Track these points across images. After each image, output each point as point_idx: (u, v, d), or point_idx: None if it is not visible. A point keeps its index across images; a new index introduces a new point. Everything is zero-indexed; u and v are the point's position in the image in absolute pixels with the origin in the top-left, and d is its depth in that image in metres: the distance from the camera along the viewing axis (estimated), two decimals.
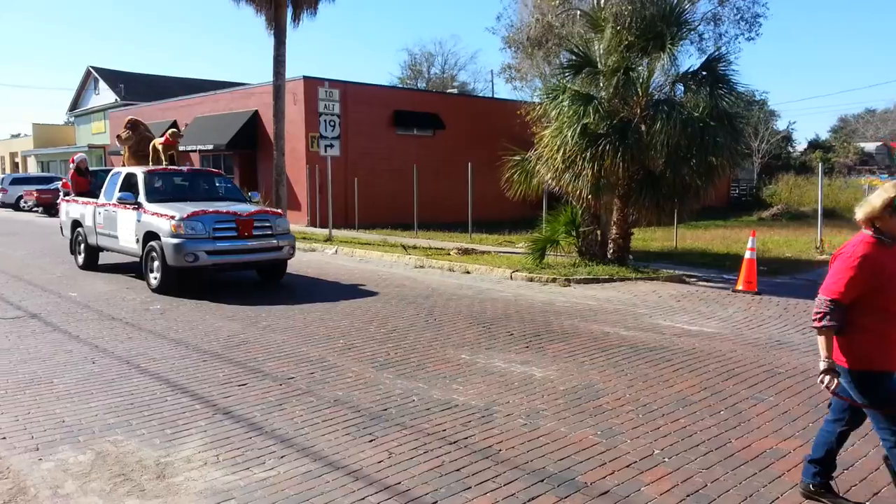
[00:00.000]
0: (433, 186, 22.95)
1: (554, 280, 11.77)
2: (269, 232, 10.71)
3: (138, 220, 10.83)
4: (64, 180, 13.92)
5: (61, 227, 14.19)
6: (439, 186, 23.40)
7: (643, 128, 11.62)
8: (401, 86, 49.64)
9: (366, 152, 23.87)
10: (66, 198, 13.96)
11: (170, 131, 13.03)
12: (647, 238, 17.69)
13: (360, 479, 4.14)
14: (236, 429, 4.96)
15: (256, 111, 25.64)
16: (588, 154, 11.28)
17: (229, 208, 10.66)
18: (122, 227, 11.33)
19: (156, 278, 10.40)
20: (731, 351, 7.22)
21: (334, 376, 6.23)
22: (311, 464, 4.36)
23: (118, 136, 13.52)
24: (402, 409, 5.36)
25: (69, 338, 7.62)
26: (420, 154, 24.16)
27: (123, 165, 13.38)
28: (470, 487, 4.01)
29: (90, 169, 14.60)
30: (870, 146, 52.15)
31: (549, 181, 12.50)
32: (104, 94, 43.43)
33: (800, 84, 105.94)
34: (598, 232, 13.31)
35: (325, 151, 17.70)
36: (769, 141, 42.24)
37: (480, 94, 48.46)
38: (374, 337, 7.72)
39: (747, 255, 11.05)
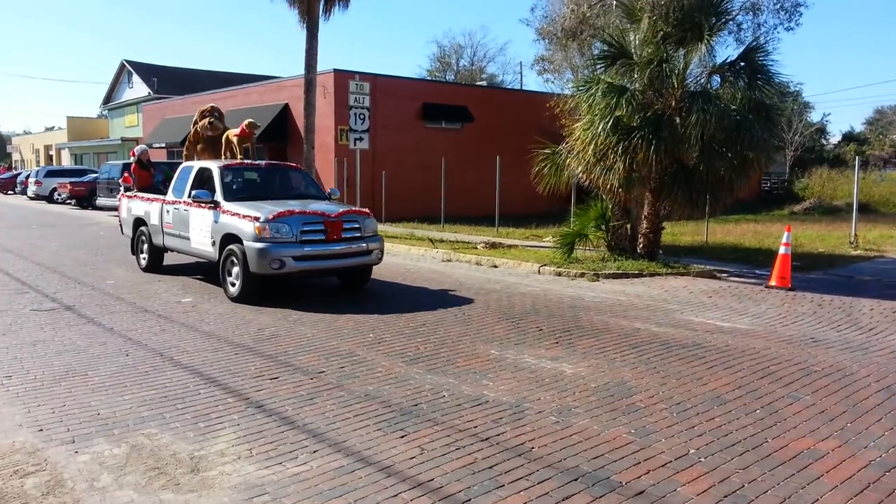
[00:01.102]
0: (461, 180, 22.90)
1: (583, 275, 11.67)
2: (358, 234, 9.64)
3: (215, 221, 9.77)
4: (125, 174, 12.91)
5: (121, 225, 13.11)
6: (467, 180, 23.35)
7: (677, 120, 11.43)
8: (429, 78, 49.55)
9: (394, 145, 23.88)
10: (128, 193, 12.81)
11: (246, 122, 11.63)
12: (676, 232, 17.46)
13: (393, 475, 4.13)
14: (269, 422, 4.98)
15: (287, 104, 25.79)
16: (620, 147, 11.14)
17: (316, 208, 9.56)
18: (196, 227, 10.26)
19: (235, 286, 9.36)
20: (765, 348, 7.09)
21: (364, 371, 6.24)
22: (344, 459, 4.37)
23: (209, 124, 11.95)
24: (433, 404, 5.34)
25: (103, 330, 7.74)
26: (448, 147, 24.10)
27: (187, 159, 12.28)
28: (503, 485, 3.98)
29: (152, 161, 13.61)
30: None
31: (580, 175, 12.37)
32: (137, 88, 44.04)
33: (835, 75, 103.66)
34: (628, 226, 13.16)
35: (355, 145, 17.74)
36: (802, 133, 41.43)
37: (509, 87, 48.21)
38: (403, 331, 7.71)
39: (782, 250, 10.85)
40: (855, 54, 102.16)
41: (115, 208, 25.04)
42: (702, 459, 4.32)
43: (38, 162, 59.06)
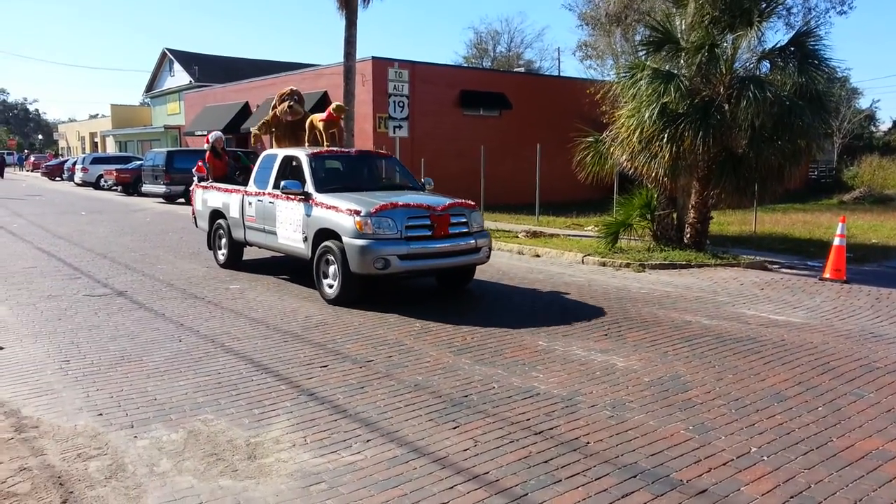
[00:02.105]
0: (499, 167, 22.73)
1: (628, 265, 11.50)
2: (466, 229, 8.68)
3: (307, 215, 8.86)
4: (199, 163, 12.05)
5: (195, 218, 12.20)
6: (505, 167, 23.17)
7: (726, 107, 11.16)
8: (466, 65, 49.27)
9: (432, 133, 23.80)
10: (202, 184, 11.83)
11: (334, 105, 10.54)
12: (722, 222, 17.09)
13: (448, 466, 4.11)
14: (321, 410, 5.01)
15: (326, 92, 25.88)
16: (667, 134, 10.91)
17: (419, 200, 8.67)
18: (284, 221, 9.37)
19: (332, 287, 8.48)
20: (822, 343, 6.89)
21: (412, 360, 6.23)
22: (397, 449, 4.36)
23: (289, 108, 10.86)
24: (484, 395, 5.31)
25: (155, 315, 7.87)
26: (486, 134, 23.94)
27: (258, 145, 11.61)
28: (560, 480, 3.93)
29: (227, 149, 12.69)
30: None
31: (624, 163, 12.17)
32: (179, 76, 44.67)
33: (884, 60, 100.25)
34: (674, 216, 12.92)
35: (394, 133, 17.71)
36: (850, 120, 40.19)
37: (547, 73, 47.70)
38: (450, 320, 7.68)
39: (836, 241, 10.53)
40: None
41: (160, 195, 25.81)
42: (765, 458, 4.21)
43: (83, 149, 60.47)
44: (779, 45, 11.84)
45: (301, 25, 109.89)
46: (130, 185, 29.78)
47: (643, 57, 12.24)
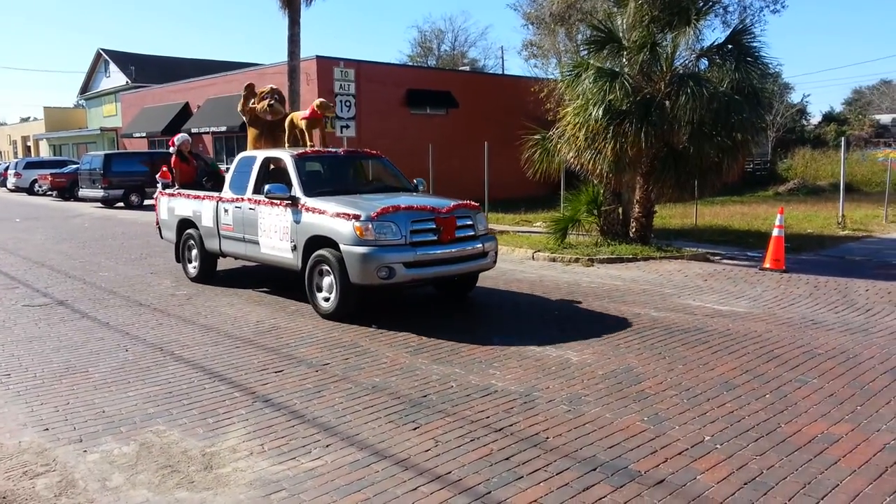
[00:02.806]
0: (447, 165, 22.76)
1: (577, 260, 11.68)
2: (472, 233, 8.04)
3: (296, 222, 8.09)
4: (163, 169, 11.08)
5: (159, 228, 11.13)
6: (453, 165, 23.23)
7: (667, 104, 11.43)
8: (412, 64, 49.19)
9: (380, 132, 23.69)
10: (168, 190, 10.82)
11: (317, 102, 9.66)
12: (665, 216, 17.52)
13: (410, 468, 4.10)
14: (278, 417, 4.93)
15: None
16: (611, 131, 11.12)
17: (422, 202, 7.95)
18: (268, 229, 8.57)
19: (328, 300, 7.79)
20: (766, 331, 7.13)
21: (369, 362, 6.19)
22: (358, 452, 4.32)
23: (270, 107, 10.02)
24: (442, 395, 5.31)
25: (99, 325, 7.61)
26: (434, 133, 23.96)
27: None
28: (522, 476, 3.96)
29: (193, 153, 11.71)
30: (885, 118, 51.23)
31: (570, 160, 12.34)
32: (115, 77, 43.30)
33: (814, 56, 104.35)
34: (620, 210, 13.18)
35: (342, 132, 17.53)
36: (783, 115, 41.66)
37: (492, 72, 48.02)
38: (403, 321, 7.66)
39: (775, 232, 10.91)
40: (833, 36, 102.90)
41: (98, 199, 24.96)
42: (718, 446, 4.33)
43: (15, 153, 58.00)
44: (716, 43, 12.18)
45: (243, 24, 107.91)
46: (66, 190, 28.78)
47: (586, 56, 12.44)
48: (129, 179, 24.99)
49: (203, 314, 8.11)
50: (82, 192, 26.00)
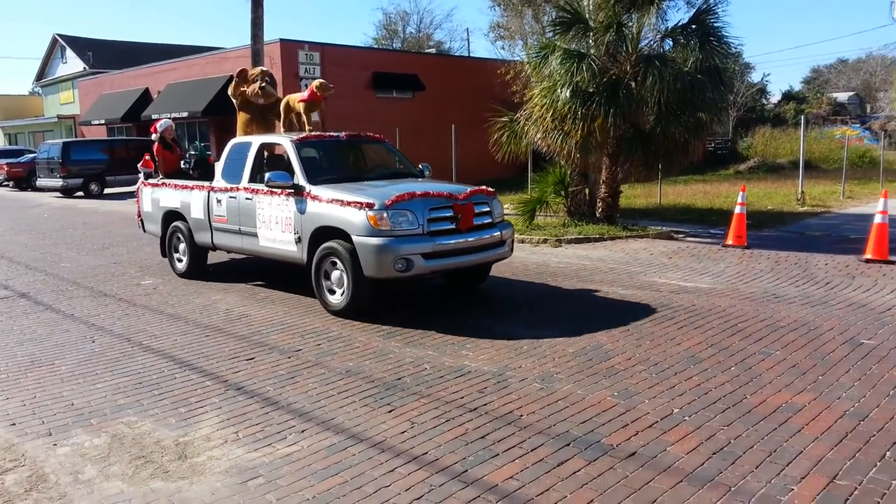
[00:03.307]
0: (415, 149, 22.55)
1: (545, 241, 11.77)
2: (490, 220, 7.58)
3: (300, 212, 7.53)
4: (145, 157, 10.45)
5: (141, 222, 10.42)
6: (421, 148, 23.05)
7: (633, 85, 11.53)
8: (377, 47, 48.74)
9: (346, 116, 23.41)
10: (150, 180, 10.15)
11: (316, 83, 8.93)
12: (630, 195, 17.72)
13: (386, 450, 4.13)
14: (251, 404, 4.91)
15: (232, 76, 24.99)
16: (579, 113, 11.19)
17: (438, 188, 7.49)
18: (268, 221, 7.98)
19: (338, 295, 7.25)
20: (730, 306, 7.29)
21: (342, 347, 6.19)
22: (334, 437, 4.34)
23: (261, 90, 9.42)
24: (416, 377, 5.34)
25: (63, 317, 7.47)
26: (400, 116, 23.83)
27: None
28: (497, 454, 4.02)
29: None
30: (842, 96, 52.47)
31: (538, 141, 12.40)
32: (72, 63, 42.10)
33: (773, 35, 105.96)
34: (587, 191, 13.30)
35: None
36: (744, 94, 42.31)
37: (458, 54, 47.82)
38: (375, 305, 7.64)
39: (737, 209, 11.13)
40: (792, 15, 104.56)
41: (57, 189, 24.37)
42: (686, 418, 4.44)
43: None
44: (680, 24, 12.30)
45: (205, 8, 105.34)
46: (23, 180, 28.04)
47: (553, 37, 12.47)
48: (88, 168, 24.44)
49: (170, 303, 8.01)
50: (40, 182, 25.35)
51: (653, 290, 8.11)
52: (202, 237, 9.13)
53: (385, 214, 6.82)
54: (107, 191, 24.53)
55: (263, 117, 9.72)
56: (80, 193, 24.50)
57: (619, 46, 11.94)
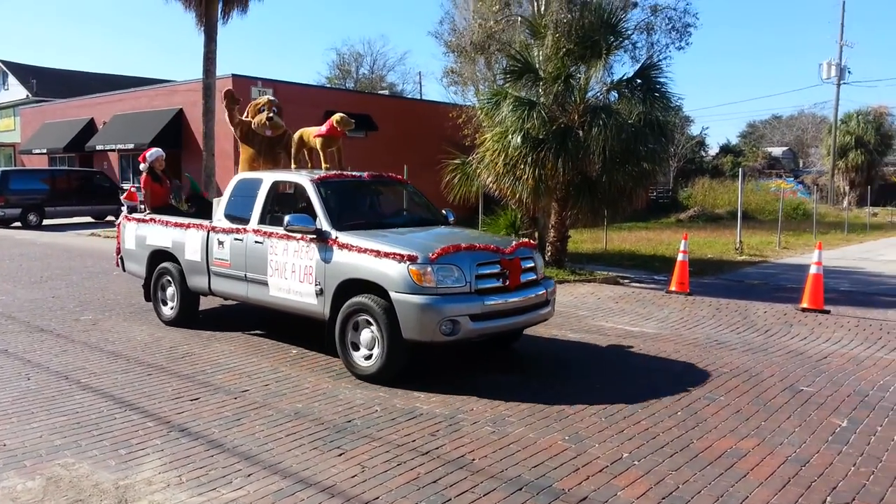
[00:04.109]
0: None
1: None
2: (534, 276, 6.85)
3: (325, 261, 6.68)
4: (130, 189, 9.68)
5: (120, 259, 9.50)
6: None
7: (581, 134, 11.87)
8: (330, 86, 49.02)
9: None
10: (135, 215, 9.23)
11: (337, 117, 8.25)
12: (577, 240, 18.09)
13: (336, 495, 4.05)
14: (195, 446, 4.76)
15: (181, 109, 24.77)
16: (530, 159, 11.44)
17: (483, 240, 6.81)
18: (283, 268, 7.09)
19: (371, 358, 6.32)
20: (674, 351, 7.47)
21: (290, 387, 6.08)
22: (282, 481, 4.23)
23: (269, 120, 8.65)
24: (367, 420, 5.28)
25: None
26: (353, 155, 23.69)
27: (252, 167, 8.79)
28: (449, 499, 3.98)
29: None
30: (777, 151, 55.08)
31: (490, 185, 12.60)
32: (14, 90, 40.95)
33: (712, 90, 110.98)
34: (537, 234, 13.53)
35: None
36: (684, 146, 43.98)
37: (410, 96, 48.46)
38: (326, 347, 7.54)
39: (680, 257, 11.47)
40: (729, 70, 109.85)
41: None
42: (636, 462, 4.50)
43: None
44: (626, 77, 12.78)
45: (155, 39, 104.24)
46: None
47: (504, 85, 12.79)
48: (27, 198, 23.58)
49: (111, 340, 7.74)
50: None
51: (600, 334, 8.25)
52: (197, 282, 8.19)
53: (429, 269, 6.04)
54: (46, 222, 23.70)
55: (271, 151, 8.89)
56: (18, 224, 23.61)
57: (567, 96, 12.32)
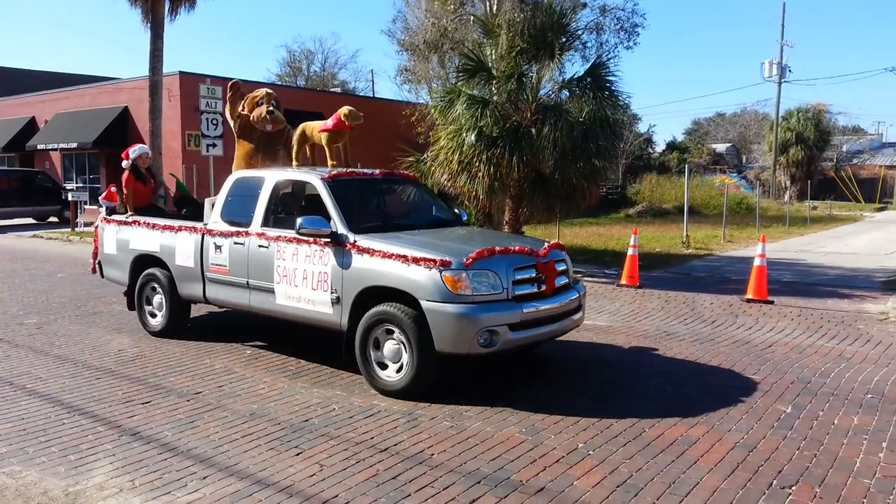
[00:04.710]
0: None
1: None
2: (567, 280, 6.45)
3: (342, 266, 6.13)
4: (110, 189, 8.85)
5: (98, 265, 8.75)
6: None
7: (534, 131, 12.00)
8: (281, 83, 48.37)
9: None
10: (115, 217, 8.52)
11: (345, 110, 7.73)
12: (531, 236, 18.29)
13: (295, 494, 4.03)
14: (148, 450, 4.67)
15: (126, 107, 24.15)
16: (485, 156, 11.51)
17: (517, 243, 6.39)
18: (293, 275, 6.50)
19: (398, 371, 5.82)
20: (626, 343, 7.63)
21: (245, 388, 6.01)
22: (238, 482, 4.19)
23: (269, 114, 7.98)
24: (325, 418, 5.25)
25: None
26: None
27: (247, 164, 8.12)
28: (409, 495, 4.00)
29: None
30: (721, 147, 56.61)
31: (445, 182, 12.62)
32: None
33: (658, 89, 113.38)
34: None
35: (208, 151, 16.94)
36: (632, 143, 44.84)
37: (363, 94, 48.21)
38: (283, 344, 7.48)
39: (630, 251, 11.71)
40: (675, 69, 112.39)
41: None
42: (590, 453, 4.59)
43: None
44: (577, 76, 12.94)
45: (99, 36, 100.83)
46: None
47: (458, 83, 12.83)
48: None
49: (57, 344, 7.52)
50: None
51: None
52: (190, 289, 7.56)
53: (464, 275, 5.56)
54: None
55: (270, 147, 8.27)
56: None
57: (520, 95, 12.42)
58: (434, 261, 5.62)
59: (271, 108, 8.08)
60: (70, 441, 4.81)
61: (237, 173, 7.71)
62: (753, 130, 60.39)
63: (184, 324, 8.02)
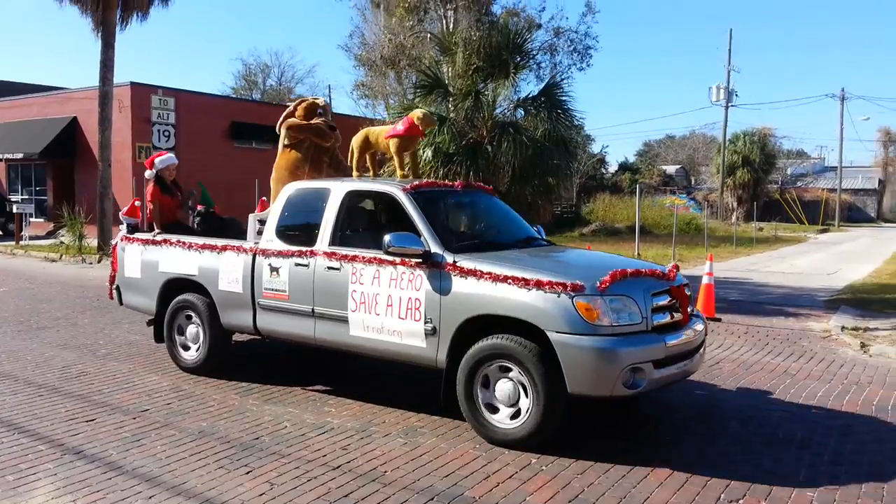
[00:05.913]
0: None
1: None
2: (690, 308, 5.62)
3: (440, 291, 5.29)
4: (133, 202, 7.88)
5: (117, 288, 7.66)
6: None
7: (490, 149, 12.12)
8: (236, 97, 47.84)
9: (201, 165, 22.60)
10: (139, 235, 7.48)
11: (418, 112, 6.90)
12: None
13: None
14: (91, 469, 4.52)
15: (76, 118, 23.54)
16: (441, 173, 11.56)
17: (644, 265, 5.63)
18: (373, 301, 5.63)
19: (514, 417, 4.99)
20: None
21: (194, 405, 5.87)
22: (186, 502, 4.09)
23: (330, 129, 7.42)
24: (276, 436, 5.17)
25: None
26: (261, 167, 23.21)
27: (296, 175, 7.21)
28: None
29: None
30: (671, 168, 58.08)
31: None
32: None
33: (611, 111, 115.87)
34: None
35: None
36: (586, 163, 45.65)
37: None
38: (233, 361, 7.33)
39: None
40: (627, 92, 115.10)
41: None
42: (543, 468, 4.62)
43: None
44: (531, 95, 13.15)
45: (47, 45, 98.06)
46: None
47: (414, 99, 12.90)
48: None
49: None
50: None
51: None
52: (236, 318, 6.60)
53: (600, 302, 4.78)
54: None
55: (318, 158, 7.47)
56: None
57: (476, 113, 12.55)
58: (564, 285, 4.81)
59: (325, 118, 7.49)
60: (9, 460, 4.63)
61: (293, 185, 6.76)
62: (702, 153, 62.13)
63: (223, 356, 6.98)
